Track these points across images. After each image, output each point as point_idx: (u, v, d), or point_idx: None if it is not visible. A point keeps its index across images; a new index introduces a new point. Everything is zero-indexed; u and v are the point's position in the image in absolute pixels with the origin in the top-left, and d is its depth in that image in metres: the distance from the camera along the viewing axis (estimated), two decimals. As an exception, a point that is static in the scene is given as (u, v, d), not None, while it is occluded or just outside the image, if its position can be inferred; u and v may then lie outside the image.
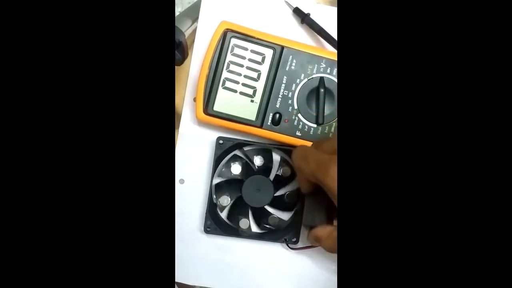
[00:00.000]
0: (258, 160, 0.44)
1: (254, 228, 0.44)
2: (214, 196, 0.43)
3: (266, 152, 0.43)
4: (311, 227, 0.38)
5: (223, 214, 0.44)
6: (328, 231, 0.35)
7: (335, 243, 0.33)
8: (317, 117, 0.41)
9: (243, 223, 0.43)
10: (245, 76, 0.41)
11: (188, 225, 0.44)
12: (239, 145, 0.43)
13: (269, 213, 0.44)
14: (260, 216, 0.44)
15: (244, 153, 0.43)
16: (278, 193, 0.44)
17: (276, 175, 0.43)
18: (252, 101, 0.42)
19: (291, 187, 0.44)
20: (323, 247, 0.36)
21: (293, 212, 0.44)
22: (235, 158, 0.44)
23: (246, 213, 0.44)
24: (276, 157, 0.44)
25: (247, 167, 0.43)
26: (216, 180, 0.44)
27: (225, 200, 0.43)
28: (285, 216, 0.44)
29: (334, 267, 0.44)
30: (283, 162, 0.44)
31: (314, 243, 0.37)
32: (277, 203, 0.44)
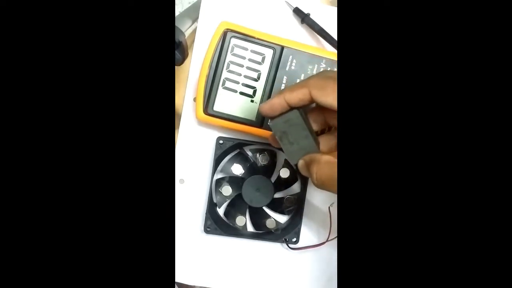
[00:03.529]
0: (262, 159, 0.43)
1: (250, 228, 0.44)
2: (215, 190, 0.43)
3: (271, 152, 0.43)
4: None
5: (221, 210, 0.44)
6: (325, 158, 0.32)
7: (331, 171, 0.31)
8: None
9: (239, 220, 0.43)
10: (245, 76, 0.41)
11: (188, 225, 0.44)
12: (239, 145, 0.43)
13: (267, 214, 0.44)
14: (257, 216, 0.44)
15: (249, 151, 0.43)
16: (277, 195, 0.44)
17: (278, 177, 0.43)
18: (252, 101, 0.42)
19: (292, 191, 0.44)
20: (315, 175, 0.32)
21: (290, 216, 0.44)
22: (237, 157, 0.44)
23: (244, 212, 0.44)
24: (280, 159, 0.44)
25: (250, 165, 0.43)
26: (218, 176, 0.44)
27: (227, 191, 0.43)
28: (282, 219, 0.44)
29: (334, 267, 0.44)
30: (286, 164, 0.43)
31: (305, 172, 0.34)
32: (276, 205, 0.44)
